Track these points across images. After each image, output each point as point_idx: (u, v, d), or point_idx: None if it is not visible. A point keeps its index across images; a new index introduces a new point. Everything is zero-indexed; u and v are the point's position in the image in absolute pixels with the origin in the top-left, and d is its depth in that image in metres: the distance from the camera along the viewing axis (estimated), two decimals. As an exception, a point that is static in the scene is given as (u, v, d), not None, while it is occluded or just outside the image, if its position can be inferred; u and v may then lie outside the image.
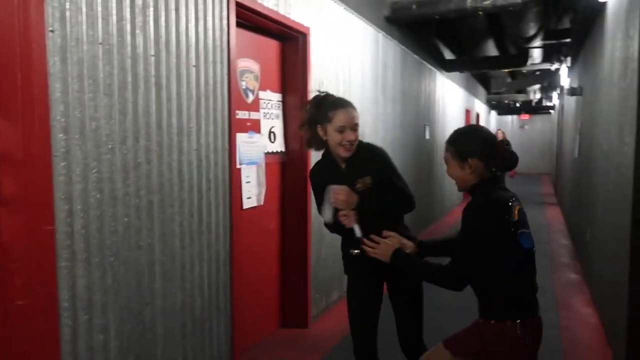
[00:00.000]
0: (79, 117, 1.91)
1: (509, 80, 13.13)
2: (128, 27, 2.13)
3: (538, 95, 14.73)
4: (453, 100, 9.71)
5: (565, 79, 8.49)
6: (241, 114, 3.19)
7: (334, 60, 4.10)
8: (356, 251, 2.07)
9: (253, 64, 3.33)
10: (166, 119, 2.36)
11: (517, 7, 5.03)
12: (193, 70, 2.52)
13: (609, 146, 3.67)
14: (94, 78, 1.97)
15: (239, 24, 2.97)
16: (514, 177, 9.04)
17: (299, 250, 3.69)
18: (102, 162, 2.01)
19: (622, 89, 3.20)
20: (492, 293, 1.79)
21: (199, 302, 2.62)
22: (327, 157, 2.28)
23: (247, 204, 3.26)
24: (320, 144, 2.24)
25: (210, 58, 2.66)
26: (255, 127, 3.36)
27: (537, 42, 7.32)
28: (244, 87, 3.25)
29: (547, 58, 8.95)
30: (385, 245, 1.95)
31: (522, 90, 14.21)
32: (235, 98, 2.88)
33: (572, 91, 6.39)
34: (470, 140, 1.85)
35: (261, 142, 3.41)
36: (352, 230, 2.10)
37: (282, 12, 3.29)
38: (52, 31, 1.81)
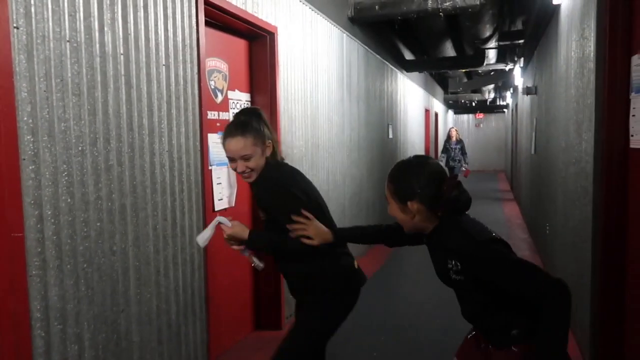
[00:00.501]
0: (47, 118, 1.83)
1: (465, 80, 13.51)
2: (96, 24, 2.05)
3: (492, 95, 15.24)
4: (413, 100, 9.89)
5: (518, 79, 8.80)
6: (210, 115, 3.14)
7: (301, 60, 4.09)
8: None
9: (221, 63, 3.28)
10: (137, 120, 2.28)
11: (476, 8, 5.17)
12: (163, 69, 2.46)
13: (567, 142, 3.81)
14: (62, 77, 1.89)
15: (207, 23, 2.92)
16: (467, 177, 9.25)
17: (271, 251, 3.65)
18: (73, 165, 1.93)
19: (579, 88, 3.33)
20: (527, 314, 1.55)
21: (174, 307, 2.55)
22: None
23: (219, 205, 3.20)
24: None
25: (180, 57, 2.60)
26: (224, 127, 3.29)
27: (492, 43, 7.58)
28: (212, 87, 3.19)
29: (501, 59, 9.27)
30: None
31: (478, 90, 14.66)
32: (205, 98, 2.83)
33: (527, 90, 6.61)
34: (411, 178, 1.53)
35: (231, 143, 3.35)
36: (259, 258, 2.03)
37: (250, 10, 3.25)
38: (16, 28, 1.72)
